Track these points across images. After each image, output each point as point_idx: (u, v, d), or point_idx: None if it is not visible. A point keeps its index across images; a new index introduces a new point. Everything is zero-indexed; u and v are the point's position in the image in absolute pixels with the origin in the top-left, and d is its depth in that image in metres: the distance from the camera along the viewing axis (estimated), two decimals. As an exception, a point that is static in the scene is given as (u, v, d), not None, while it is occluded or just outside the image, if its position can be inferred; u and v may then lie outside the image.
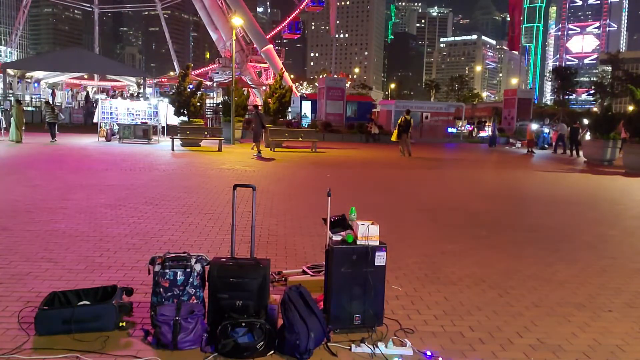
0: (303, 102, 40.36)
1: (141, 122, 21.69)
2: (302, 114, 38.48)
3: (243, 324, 3.23)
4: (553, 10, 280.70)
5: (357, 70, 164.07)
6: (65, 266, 4.84)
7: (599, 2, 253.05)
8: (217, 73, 63.15)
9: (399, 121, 20.11)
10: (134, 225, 6.58)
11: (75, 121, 30.99)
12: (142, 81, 37.85)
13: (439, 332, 3.71)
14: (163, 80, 61.59)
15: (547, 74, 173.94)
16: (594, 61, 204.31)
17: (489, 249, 6.18)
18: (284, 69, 40.41)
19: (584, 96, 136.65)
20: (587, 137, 24.15)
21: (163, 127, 23.47)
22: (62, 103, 42.35)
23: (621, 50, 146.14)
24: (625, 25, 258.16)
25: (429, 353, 3.31)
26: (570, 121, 32.96)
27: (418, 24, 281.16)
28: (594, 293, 4.73)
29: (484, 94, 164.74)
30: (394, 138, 20.50)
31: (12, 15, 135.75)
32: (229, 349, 3.17)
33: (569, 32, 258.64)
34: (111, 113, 21.93)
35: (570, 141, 25.57)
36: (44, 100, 30.26)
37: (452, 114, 38.07)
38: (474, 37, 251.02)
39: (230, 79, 29.16)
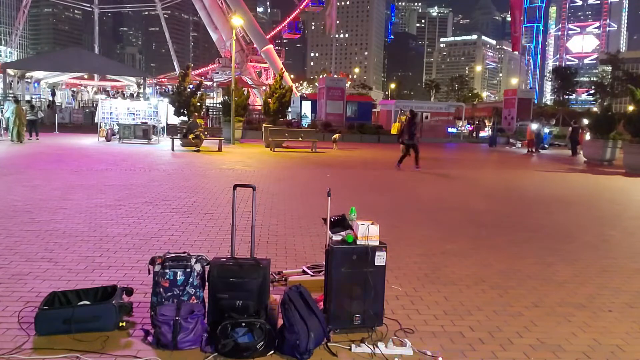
0: (303, 102, 40.35)
1: (141, 122, 21.69)
2: (302, 114, 38.44)
3: (243, 324, 3.23)
4: (553, 10, 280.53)
5: (357, 70, 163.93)
6: (65, 266, 4.84)
7: (599, 2, 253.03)
8: (217, 73, 63.24)
9: (404, 120, 20.21)
10: (134, 225, 6.58)
11: (75, 121, 31.09)
12: (142, 81, 37.85)
13: (439, 332, 3.71)
14: (163, 80, 61.69)
15: (547, 74, 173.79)
16: (594, 61, 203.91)
17: (489, 249, 6.18)
18: (284, 69, 40.34)
19: (584, 96, 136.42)
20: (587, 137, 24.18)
21: (163, 127, 23.47)
22: (62, 103, 42.38)
23: (621, 50, 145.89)
24: (625, 25, 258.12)
25: (429, 353, 3.31)
26: (570, 121, 32.99)
27: (418, 24, 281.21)
28: (594, 293, 4.73)
29: (484, 94, 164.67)
30: (393, 131, 20.78)
31: (12, 15, 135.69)
32: (229, 349, 3.17)
33: (569, 32, 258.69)
34: (111, 113, 21.93)
35: (570, 141, 25.62)
36: (27, 100, 30.26)
37: (452, 114, 38.15)
38: (474, 37, 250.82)
39: (230, 79, 29.15)
